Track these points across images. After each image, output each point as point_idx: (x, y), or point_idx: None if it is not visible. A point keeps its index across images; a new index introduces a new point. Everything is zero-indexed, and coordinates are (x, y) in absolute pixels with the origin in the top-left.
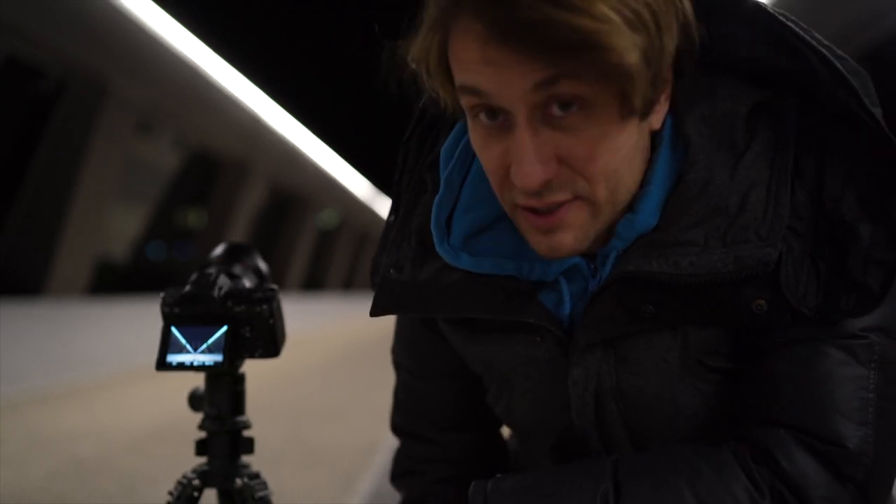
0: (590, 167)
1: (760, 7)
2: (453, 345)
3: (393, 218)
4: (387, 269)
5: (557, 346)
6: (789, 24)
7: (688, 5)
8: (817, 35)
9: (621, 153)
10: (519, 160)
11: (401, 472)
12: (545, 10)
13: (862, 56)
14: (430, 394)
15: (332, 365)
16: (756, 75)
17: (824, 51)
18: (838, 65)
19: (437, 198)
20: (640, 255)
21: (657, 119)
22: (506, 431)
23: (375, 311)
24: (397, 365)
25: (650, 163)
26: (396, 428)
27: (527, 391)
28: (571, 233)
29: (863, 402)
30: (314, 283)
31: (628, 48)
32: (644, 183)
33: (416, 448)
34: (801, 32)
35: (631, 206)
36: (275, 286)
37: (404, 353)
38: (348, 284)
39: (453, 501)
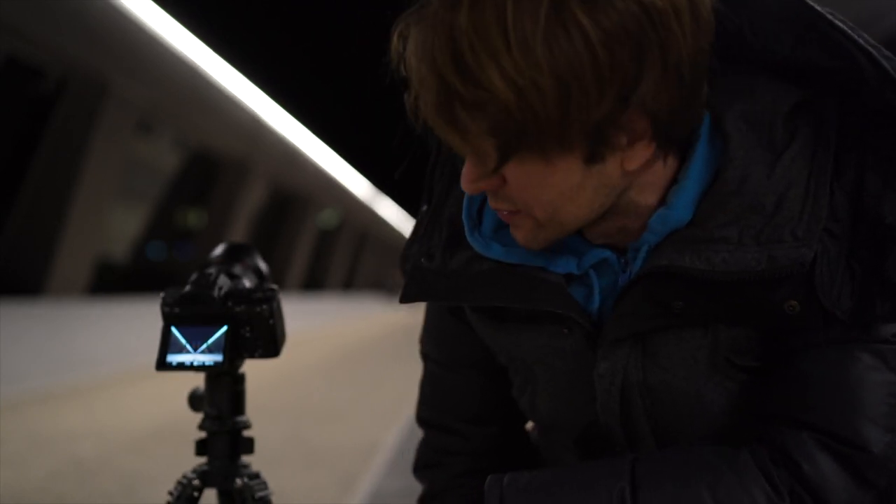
0: (518, 198)
1: (808, 6)
2: (480, 335)
3: (425, 207)
4: (418, 257)
5: (585, 338)
6: (837, 22)
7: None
8: (864, 34)
9: (555, 190)
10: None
11: (424, 464)
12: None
13: None
14: (456, 386)
15: (332, 365)
16: (796, 73)
17: (872, 50)
18: (886, 64)
19: None
20: (672, 249)
21: (630, 162)
22: (528, 425)
23: (405, 298)
24: (425, 356)
25: (685, 159)
26: (422, 419)
27: (551, 383)
28: (521, 233)
29: (891, 408)
30: (314, 283)
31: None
32: (678, 178)
33: (440, 440)
34: (850, 32)
35: (664, 201)
36: (275, 286)
37: (432, 343)
38: (348, 284)
39: (474, 495)
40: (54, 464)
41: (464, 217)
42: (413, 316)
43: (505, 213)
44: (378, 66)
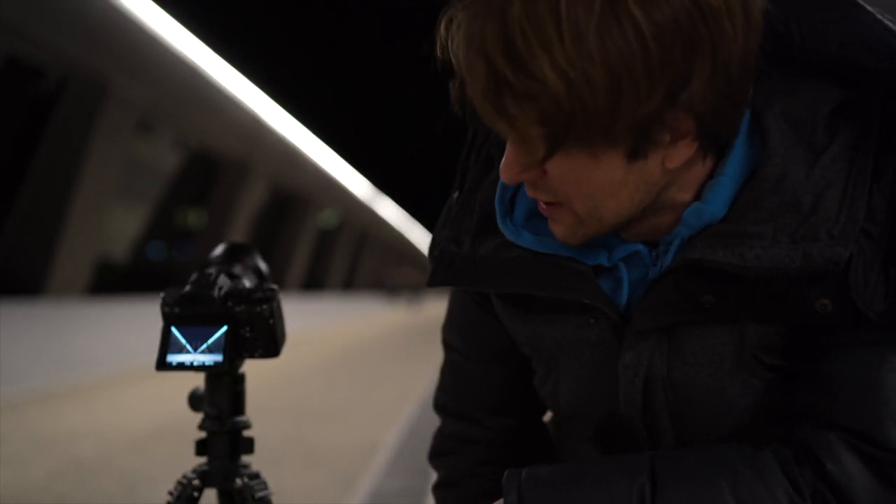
0: (559, 190)
1: (857, 5)
2: (504, 324)
3: (457, 194)
4: (447, 242)
5: (611, 329)
6: (888, 22)
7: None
8: None
9: (596, 184)
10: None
11: (440, 452)
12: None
13: None
14: (477, 375)
15: (332, 365)
16: (839, 72)
17: None
18: None
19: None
20: (705, 244)
21: (672, 160)
22: (546, 417)
23: (432, 282)
24: (447, 345)
25: (723, 155)
26: (440, 406)
27: (574, 373)
28: (560, 228)
29: None
30: (314, 283)
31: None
32: (715, 174)
33: (458, 427)
34: None
35: (699, 195)
36: (275, 286)
37: (455, 332)
38: (348, 284)
39: (490, 485)
40: (54, 464)
41: (496, 203)
42: (413, 316)
43: (544, 206)
44: (378, 67)
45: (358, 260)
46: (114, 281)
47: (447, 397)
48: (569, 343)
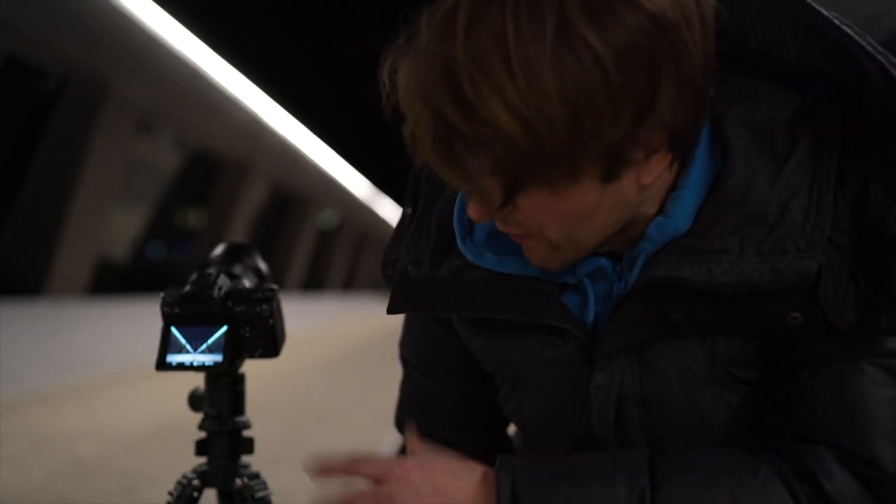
0: (531, 222)
1: (815, 11)
2: (466, 343)
3: (410, 210)
4: (405, 264)
5: (579, 349)
6: (844, 28)
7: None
8: (872, 40)
9: (569, 213)
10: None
11: None
12: (450, 119)
13: None
14: (436, 391)
15: (332, 365)
16: (796, 77)
17: (881, 58)
18: (895, 72)
19: (460, 193)
20: (672, 260)
21: (646, 176)
22: (511, 429)
23: (393, 309)
24: (405, 360)
25: (684, 166)
26: (400, 424)
27: (541, 392)
28: (536, 258)
29: None
30: (314, 283)
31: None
32: (677, 186)
33: None
34: (858, 38)
35: (662, 209)
36: (275, 286)
37: (412, 349)
38: (348, 284)
39: None
40: (54, 464)
41: (455, 224)
42: None
43: (516, 236)
44: (378, 67)
45: (358, 260)
46: (114, 281)
47: (407, 415)
48: (534, 362)
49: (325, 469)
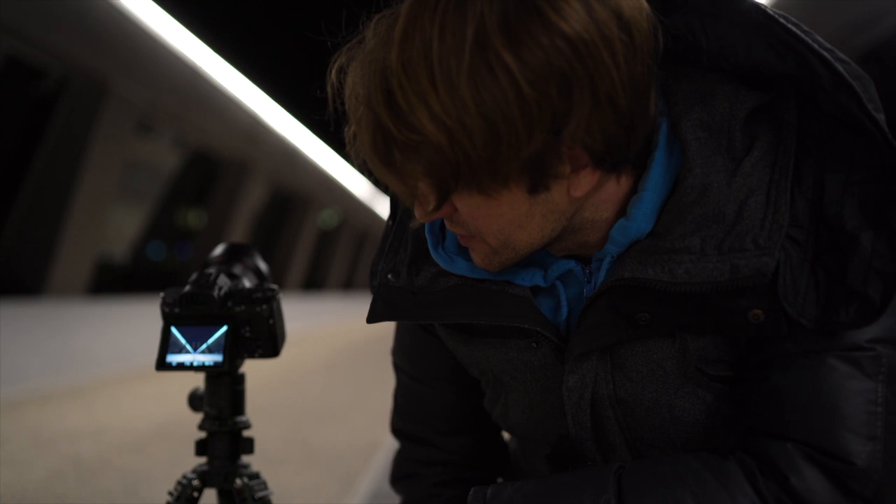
0: (471, 225)
1: (761, 9)
2: (451, 348)
3: (391, 223)
4: (384, 274)
5: (553, 352)
6: (790, 26)
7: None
8: (819, 38)
9: (503, 220)
10: None
11: (400, 475)
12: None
13: (861, 57)
14: (429, 397)
15: (332, 365)
16: (753, 78)
17: (826, 54)
18: (841, 69)
19: None
20: (635, 261)
21: (576, 189)
22: (506, 434)
23: (372, 318)
24: (397, 367)
25: (644, 168)
26: (396, 430)
27: (520, 396)
28: (478, 257)
29: (871, 416)
30: (314, 283)
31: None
32: (638, 188)
33: (415, 451)
34: (804, 35)
35: (624, 212)
36: (275, 286)
37: (403, 356)
38: (348, 285)
39: None
40: (55, 463)
41: (427, 233)
42: None
43: (461, 237)
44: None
45: (358, 260)
46: (114, 281)
47: (402, 420)
48: (513, 366)
49: None
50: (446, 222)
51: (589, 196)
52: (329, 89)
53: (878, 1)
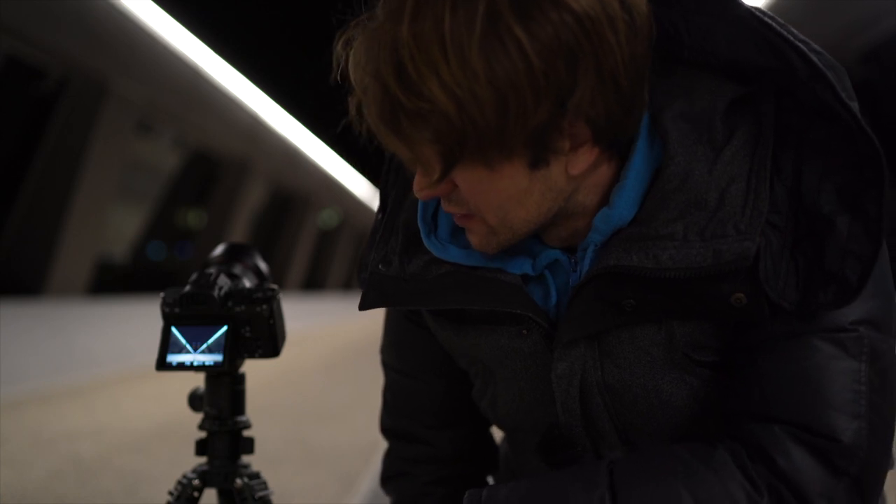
0: (470, 202)
1: (740, 5)
2: (440, 339)
3: (381, 215)
4: (375, 264)
5: (543, 339)
6: (767, 20)
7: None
8: (794, 30)
9: (503, 195)
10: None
11: (391, 475)
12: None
13: (861, 57)
14: (417, 391)
15: (332, 365)
16: (734, 71)
17: (801, 46)
18: (815, 59)
19: None
20: (620, 249)
21: (574, 166)
22: (497, 433)
23: (364, 305)
24: (386, 365)
25: (626, 158)
26: (385, 429)
27: (511, 385)
28: (475, 238)
29: (855, 394)
30: (314, 283)
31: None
32: (619, 178)
33: (405, 449)
34: (780, 29)
35: (607, 200)
36: (275, 286)
37: (392, 351)
38: (348, 285)
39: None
40: (55, 463)
41: (419, 221)
42: None
43: (459, 217)
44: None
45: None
46: (114, 281)
47: (391, 419)
48: (504, 354)
49: None
50: (443, 202)
51: (584, 176)
52: (335, 60)
53: (878, 1)
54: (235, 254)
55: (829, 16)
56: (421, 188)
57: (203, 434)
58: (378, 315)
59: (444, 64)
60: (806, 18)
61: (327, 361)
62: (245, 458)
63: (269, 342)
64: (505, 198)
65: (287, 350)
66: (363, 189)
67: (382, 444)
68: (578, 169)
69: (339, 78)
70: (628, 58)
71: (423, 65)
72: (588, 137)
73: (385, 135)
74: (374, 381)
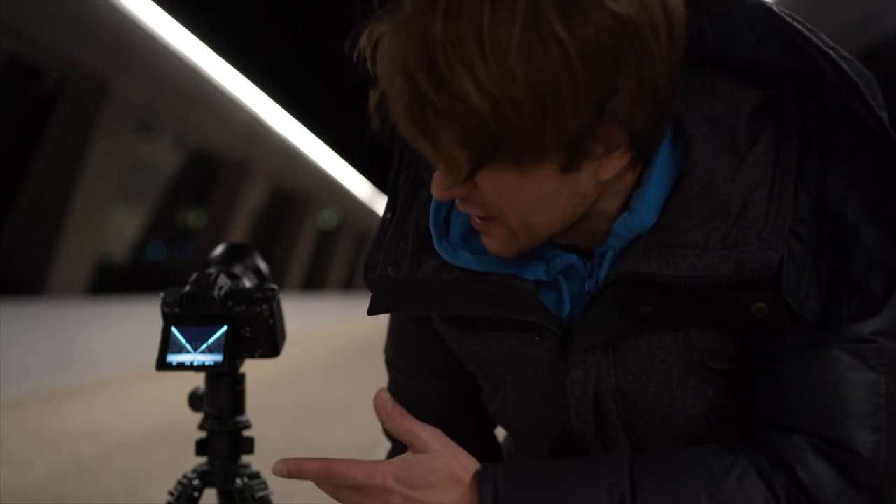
0: (492, 204)
1: (767, 8)
2: (448, 342)
3: (389, 215)
4: (384, 267)
5: (556, 346)
6: (796, 25)
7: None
8: (823, 36)
9: (529, 198)
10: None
11: None
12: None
13: (861, 57)
14: (420, 393)
15: (332, 365)
16: (757, 75)
17: (831, 52)
18: (845, 66)
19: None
20: (639, 255)
21: (604, 171)
22: (500, 434)
23: (374, 310)
24: (390, 364)
25: (647, 163)
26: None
27: (521, 390)
28: (494, 242)
29: (875, 407)
30: (314, 283)
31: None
32: (641, 182)
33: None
34: (808, 34)
35: (627, 206)
36: (275, 286)
37: (396, 351)
38: (348, 285)
39: None
40: (55, 463)
41: (431, 225)
42: None
43: (478, 221)
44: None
45: (358, 260)
46: (114, 281)
47: None
48: (516, 360)
49: (298, 472)
50: (460, 203)
51: (612, 182)
52: (362, 52)
53: (878, 1)
54: (235, 254)
55: (829, 16)
56: (442, 188)
57: (203, 434)
58: (378, 317)
59: (481, 62)
60: (806, 18)
61: (327, 361)
62: (245, 458)
63: (269, 342)
64: (531, 201)
65: (287, 350)
66: (363, 189)
67: (383, 444)
68: (608, 174)
69: (357, 71)
70: (667, 65)
71: (458, 62)
72: (622, 143)
73: (410, 132)
74: (374, 381)
